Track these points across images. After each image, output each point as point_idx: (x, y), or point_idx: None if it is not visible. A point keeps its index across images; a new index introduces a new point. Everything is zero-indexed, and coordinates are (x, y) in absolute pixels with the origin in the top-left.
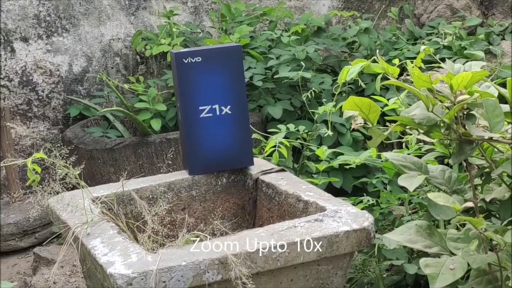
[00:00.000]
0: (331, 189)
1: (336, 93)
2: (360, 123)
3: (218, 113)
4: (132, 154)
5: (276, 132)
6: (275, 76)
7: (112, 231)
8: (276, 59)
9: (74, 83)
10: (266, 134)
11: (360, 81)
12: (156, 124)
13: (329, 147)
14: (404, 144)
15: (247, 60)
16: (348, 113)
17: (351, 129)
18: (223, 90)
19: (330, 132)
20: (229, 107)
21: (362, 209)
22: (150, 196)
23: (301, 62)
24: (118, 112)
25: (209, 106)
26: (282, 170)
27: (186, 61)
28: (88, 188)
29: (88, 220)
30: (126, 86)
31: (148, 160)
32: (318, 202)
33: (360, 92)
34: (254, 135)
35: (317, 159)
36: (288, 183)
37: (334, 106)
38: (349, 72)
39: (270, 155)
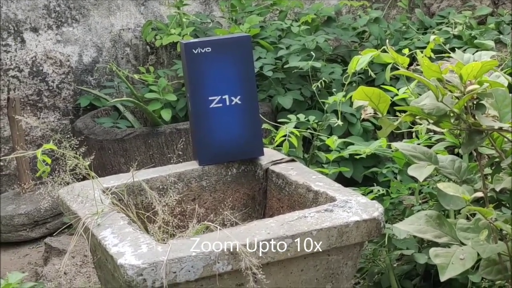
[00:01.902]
0: (341, 179)
1: (346, 83)
2: (370, 113)
3: (228, 103)
4: (142, 144)
5: (286, 122)
6: (285, 66)
7: (123, 222)
8: (286, 49)
9: (84, 74)
10: (276, 124)
11: (370, 71)
12: (166, 114)
13: (339, 137)
14: (414, 134)
15: (257, 50)
16: (358, 103)
17: (361, 119)
18: (233, 80)
19: (340, 122)
20: (239, 97)
21: (372, 199)
22: (161, 187)
23: (311, 52)
24: (128, 103)
25: (219, 97)
26: (292, 160)
27: (195, 52)
28: (98, 178)
29: (99, 211)
30: (136, 76)
31: (159, 150)
32: (328, 192)
33: (370, 82)
34: (264, 125)
35: (327, 149)
36: (298, 173)
37: (344, 96)
38: (359, 62)
39: (280, 145)
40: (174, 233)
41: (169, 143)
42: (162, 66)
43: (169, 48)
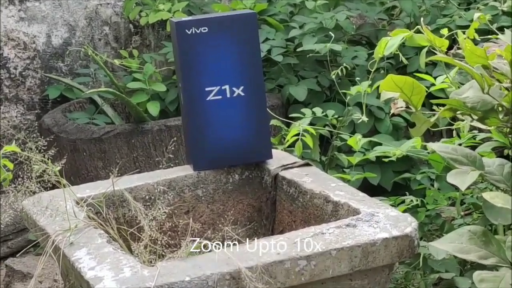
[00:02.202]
0: (366, 187)
1: (372, 70)
2: (401, 107)
3: (228, 95)
4: (124, 145)
5: (300, 118)
6: (298, 50)
7: (101, 240)
8: (300, 29)
9: (53, 59)
10: (287, 120)
11: (401, 55)
12: (154, 108)
13: (364, 136)
14: (454, 133)
15: (264, 29)
16: (387, 94)
17: (391, 114)
18: (235, 67)
19: (365, 118)
20: (242, 88)
21: (404, 211)
22: (147, 197)
23: (330, 32)
24: (107, 94)
25: (218, 87)
26: (307, 165)
27: (189, 32)
28: (71, 187)
29: (72, 227)
30: (116, 61)
31: (144, 152)
32: (350, 203)
33: (402, 69)
34: (273, 122)
35: (349, 150)
36: (314, 180)
37: (370, 85)
38: (388, 45)
39: (293, 145)
40: (163, 253)
41: (157, 144)
42: (148, 49)
43: (157, 28)
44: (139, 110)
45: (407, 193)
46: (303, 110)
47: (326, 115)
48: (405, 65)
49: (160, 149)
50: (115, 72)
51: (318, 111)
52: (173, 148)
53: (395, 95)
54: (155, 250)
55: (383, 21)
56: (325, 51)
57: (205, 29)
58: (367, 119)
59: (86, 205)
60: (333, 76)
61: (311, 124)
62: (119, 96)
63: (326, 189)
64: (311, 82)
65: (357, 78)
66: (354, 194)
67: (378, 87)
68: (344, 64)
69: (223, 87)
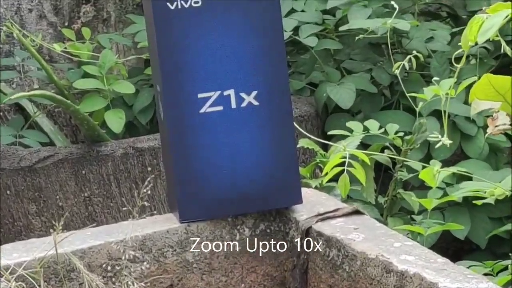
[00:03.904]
0: (448, 242)
1: (459, 66)
2: (505, 125)
3: (234, 105)
4: (70, 178)
5: (344, 136)
6: (340, 28)
7: None
8: None
9: None
10: (324, 141)
11: (503, 43)
12: (116, 121)
13: (445, 163)
14: None
15: None
16: (481, 104)
17: (488, 133)
18: (244, 61)
19: (446, 140)
20: (255, 93)
21: (507, 284)
22: (108, 266)
23: (392, 2)
24: (43, 98)
25: (218, 92)
26: (357, 212)
27: (173, 7)
28: None
29: None
30: (57, 46)
31: (102, 190)
32: (423, 274)
33: (504, 59)
34: (302, 142)
35: (421, 186)
36: (368, 237)
37: (454, 86)
38: (483, 27)
39: (334, 180)
40: None
41: (121, 176)
42: (107, 26)
43: None
44: (93, 124)
45: (511, 253)
46: (350, 123)
47: (385, 131)
48: (508, 57)
49: (126, 184)
50: (54, 63)
51: (372, 125)
52: (149, 185)
53: (493, 105)
54: None
55: None
56: (383, 31)
57: (197, 2)
58: (450, 141)
59: (15, 279)
60: (396, 70)
61: (362, 145)
62: (61, 102)
63: (386, 251)
64: (361, 79)
65: (434, 79)
66: (429, 260)
67: (466, 88)
68: (414, 52)
69: (225, 93)
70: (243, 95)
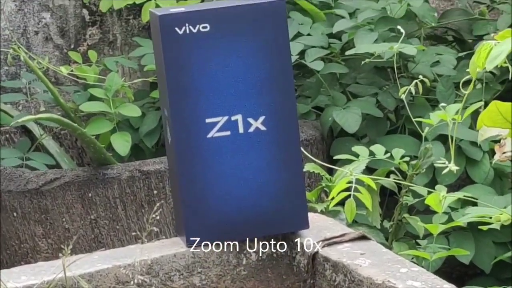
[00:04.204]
0: (453, 266)
1: (466, 92)
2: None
3: (241, 130)
4: (77, 200)
5: (350, 161)
6: (347, 53)
7: None
8: (350, 18)
9: None
10: (330, 166)
11: (511, 68)
12: (122, 144)
13: (451, 187)
14: None
15: (293, 19)
16: (488, 131)
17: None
18: (252, 86)
19: (453, 167)
20: (262, 118)
21: None
22: None
23: (398, 26)
24: (50, 121)
25: (225, 118)
26: (363, 238)
27: (181, 32)
28: None
29: None
30: (63, 69)
31: (108, 213)
32: None
33: (511, 86)
34: (308, 167)
35: (426, 211)
36: (374, 262)
37: (461, 111)
38: (492, 54)
39: (340, 204)
40: None
41: (127, 199)
42: (113, 49)
43: (126, 15)
44: (100, 147)
45: None
46: (356, 148)
47: (391, 156)
48: None
49: (133, 208)
50: (60, 86)
51: (378, 149)
52: (158, 217)
53: (501, 132)
54: None
55: (480, 5)
56: (390, 55)
57: (205, 27)
58: (457, 168)
59: None
60: (403, 95)
61: (367, 170)
62: (68, 125)
63: (393, 276)
64: (367, 103)
65: (441, 105)
66: (435, 286)
67: (472, 113)
68: (420, 77)
69: (233, 118)
70: (250, 120)
